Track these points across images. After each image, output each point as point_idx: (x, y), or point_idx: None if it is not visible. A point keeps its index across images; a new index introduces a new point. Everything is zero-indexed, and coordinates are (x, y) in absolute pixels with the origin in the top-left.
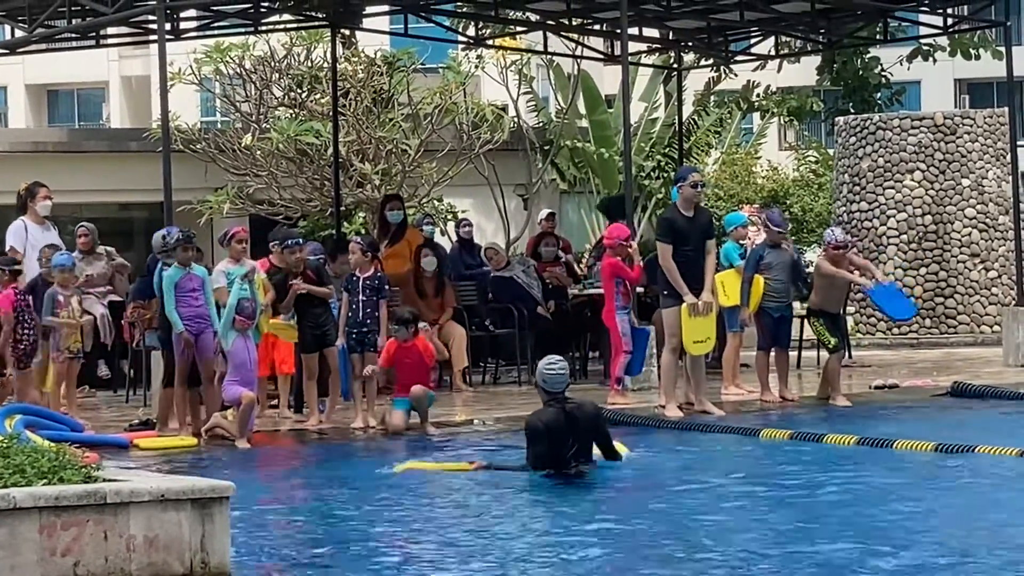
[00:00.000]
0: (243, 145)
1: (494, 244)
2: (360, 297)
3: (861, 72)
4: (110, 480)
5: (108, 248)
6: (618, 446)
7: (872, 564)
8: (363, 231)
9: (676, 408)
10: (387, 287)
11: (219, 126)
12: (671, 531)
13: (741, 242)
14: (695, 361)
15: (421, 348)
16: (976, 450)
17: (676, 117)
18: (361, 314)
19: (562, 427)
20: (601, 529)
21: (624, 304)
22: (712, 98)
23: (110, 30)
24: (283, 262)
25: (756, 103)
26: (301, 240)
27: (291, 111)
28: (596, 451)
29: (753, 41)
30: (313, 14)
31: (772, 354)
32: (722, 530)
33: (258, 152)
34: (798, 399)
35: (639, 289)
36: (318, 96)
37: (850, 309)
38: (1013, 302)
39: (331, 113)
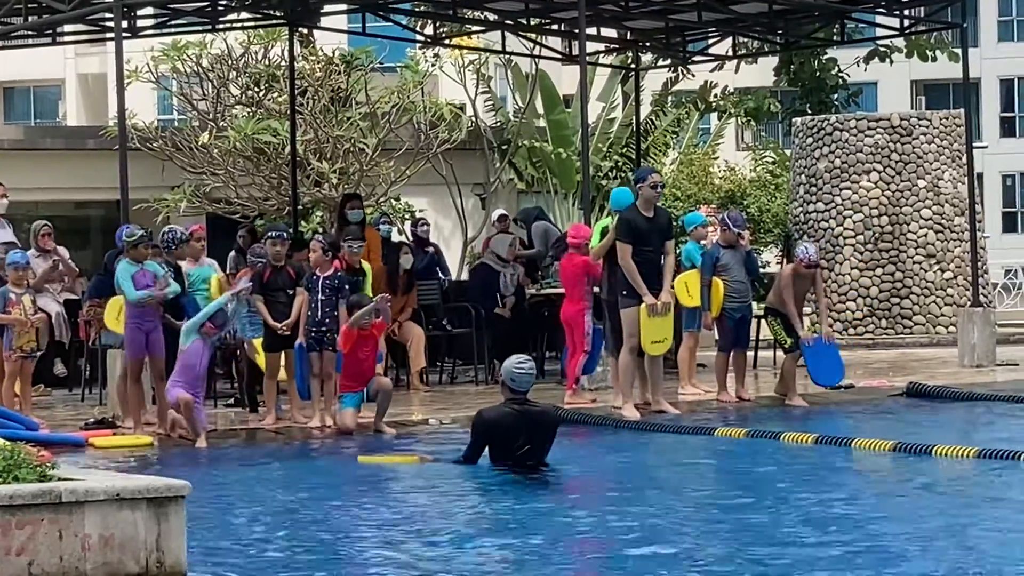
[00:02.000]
0: (200, 143)
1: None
2: (319, 296)
3: (818, 73)
4: (65, 479)
5: (61, 248)
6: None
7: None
8: (320, 230)
9: (633, 408)
10: (346, 286)
11: (176, 124)
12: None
13: (702, 242)
14: (653, 361)
15: (377, 332)
16: (934, 451)
17: (634, 117)
18: (320, 313)
19: (513, 426)
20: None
21: (589, 304)
22: (670, 98)
23: (67, 27)
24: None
25: (713, 103)
26: (285, 234)
27: (248, 109)
28: None
29: (711, 42)
30: (271, 12)
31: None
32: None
33: (215, 150)
34: (754, 399)
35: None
36: (275, 95)
37: (806, 310)
38: (968, 303)
39: (288, 112)
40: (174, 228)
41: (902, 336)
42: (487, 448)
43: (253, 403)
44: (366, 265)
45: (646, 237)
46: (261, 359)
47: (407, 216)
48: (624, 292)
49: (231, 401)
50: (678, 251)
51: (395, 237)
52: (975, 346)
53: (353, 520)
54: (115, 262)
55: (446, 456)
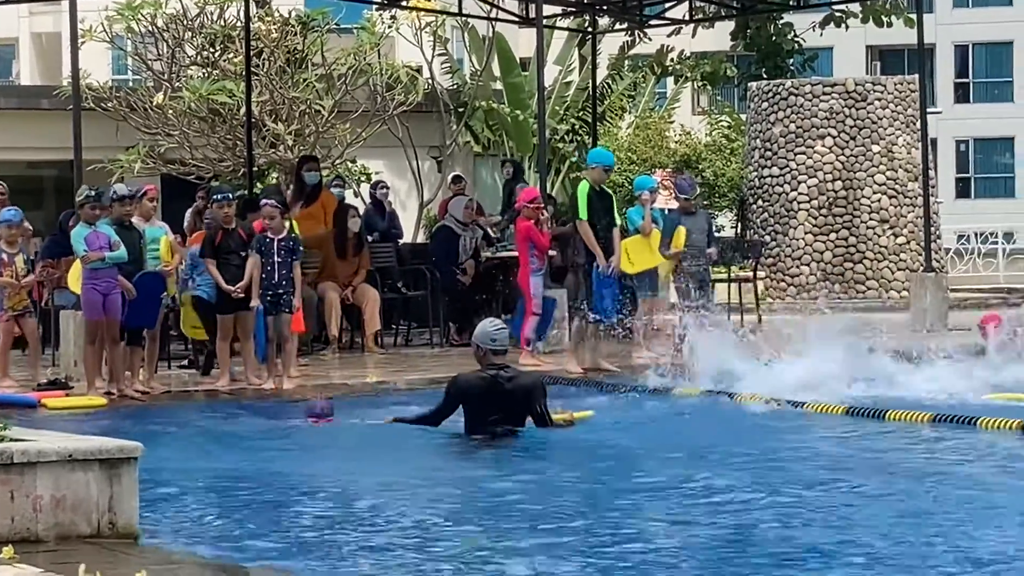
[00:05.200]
0: (155, 104)
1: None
2: (275, 259)
3: (774, 38)
4: (17, 440)
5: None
6: (580, 414)
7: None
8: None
9: (575, 364)
10: (300, 248)
11: (131, 84)
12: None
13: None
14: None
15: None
16: (887, 415)
17: (590, 81)
18: (276, 276)
19: (487, 393)
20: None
21: (538, 267)
22: (626, 62)
23: None
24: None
25: (670, 68)
26: (231, 195)
27: (204, 70)
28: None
29: (668, 6)
30: None
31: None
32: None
33: (170, 111)
34: None
35: (551, 253)
36: (231, 55)
37: (760, 274)
38: (921, 268)
39: (244, 73)
40: (119, 186)
41: (855, 300)
42: (464, 417)
43: (208, 366)
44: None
45: (598, 213)
46: (196, 332)
47: (363, 178)
48: (583, 261)
49: (185, 363)
50: (623, 214)
51: (349, 200)
52: (927, 311)
53: (301, 481)
54: (70, 222)
55: (410, 416)
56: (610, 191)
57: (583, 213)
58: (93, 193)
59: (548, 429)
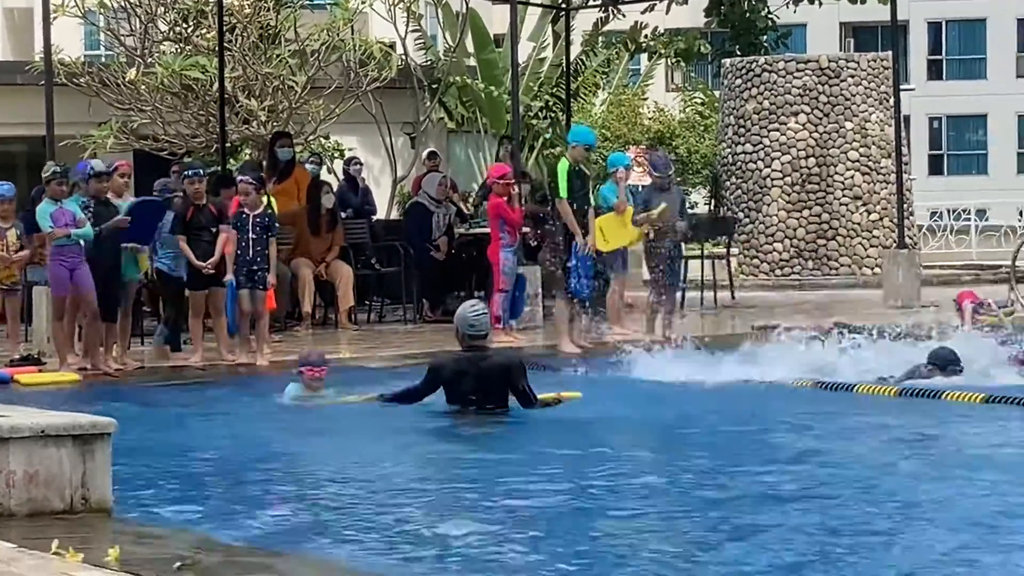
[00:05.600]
0: (127, 80)
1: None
2: (250, 235)
3: (748, 14)
4: None
5: None
6: (567, 394)
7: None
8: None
9: (571, 344)
10: (276, 224)
11: (103, 60)
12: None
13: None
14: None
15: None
16: (856, 389)
17: (564, 57)
18: (251, 252)
19: (464, 374)
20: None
21: (509, 243)
22: (600, 39)
23: None
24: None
25: (644, 44)
26: (202, 171)
27: (176, 46)
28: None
29: None
30: None
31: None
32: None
33: (142, 87)
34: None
35: (525, 230)
36: (204, 31)
37: (733, 250)
38: (894, 245)
39: (217, 48)
40: (95, 161)
41: (828, 277)
42: (444, 397)
43: (176, 342)
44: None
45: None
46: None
47: (336, 154)
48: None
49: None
50: (596, 191)
51: (324, 176)
52: (900, 287)
53: (276, 457)
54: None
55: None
56: (587, 171)
57: (563, 192)
58: (60, 169)
59: (533, 408)
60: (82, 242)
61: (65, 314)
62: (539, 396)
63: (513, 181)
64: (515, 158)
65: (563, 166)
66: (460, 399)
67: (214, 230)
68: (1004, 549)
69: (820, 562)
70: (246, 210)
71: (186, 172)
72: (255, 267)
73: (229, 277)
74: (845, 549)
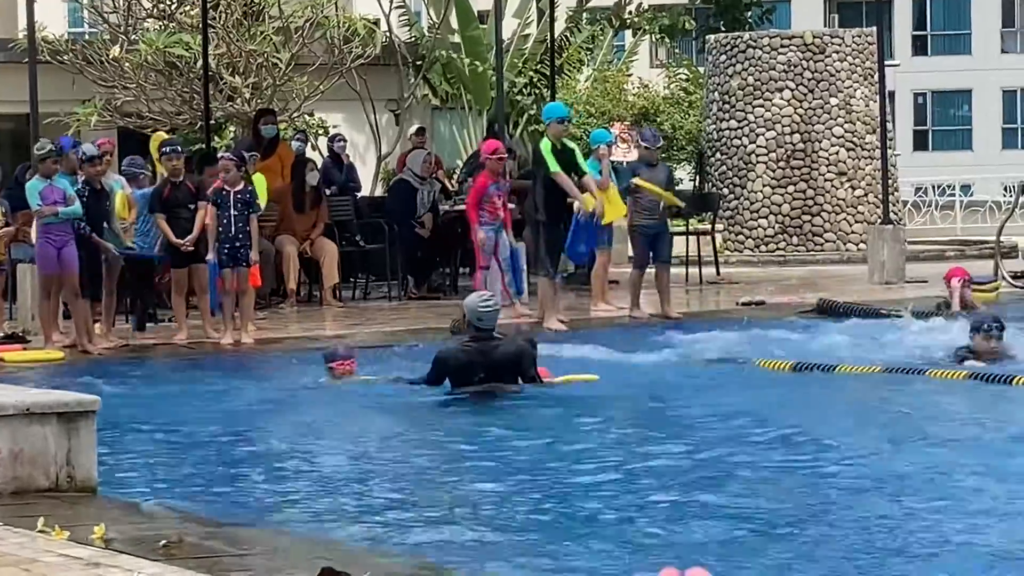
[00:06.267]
0: (111, 57)
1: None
2: (232, 212)
3: None
4: None
5: None
6: (582, 377)
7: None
8: (233, 145)
9: (557, 321)
10: (257, 201)
11: (87, 37)
12: None
13: (601, 160)
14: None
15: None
16: (837, 369)
17: (548, 34)
18: (233, 229)
19: (472, 364)
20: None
21: (489, 220)
22: (584, 15)
23: None
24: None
25: (628, 20)
26: (180, 148)
27: (160, 23)
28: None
29: None
30: None
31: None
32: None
33: (126, 64)
34: (681, 317)
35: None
36: (187, 8)
37: (718, 227)
38: (878, 220)
39: (201, 25)
40: (87, 146)
41: (813, 253)
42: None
43: (142, 321)
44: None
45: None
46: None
47: (320, 131)
48: (543, 217)
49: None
50: None
51: (308, 154)
52: (885, 263)
53: (261, 435)
54: (26, 176)
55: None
56: (572, 144)
57: (554, 167)
58: (54, 148)
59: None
60: (77, 223)
61: (51, 292)
62: (554, 379)
63: (506, 156)
64: (500, 134)
65: (545, 145)
66: (469, 386)
67: (192, 207)
68: None
69: None
70: (227, 187)
71: (163, 148)
72: (237, 244)
73: (211, 257)
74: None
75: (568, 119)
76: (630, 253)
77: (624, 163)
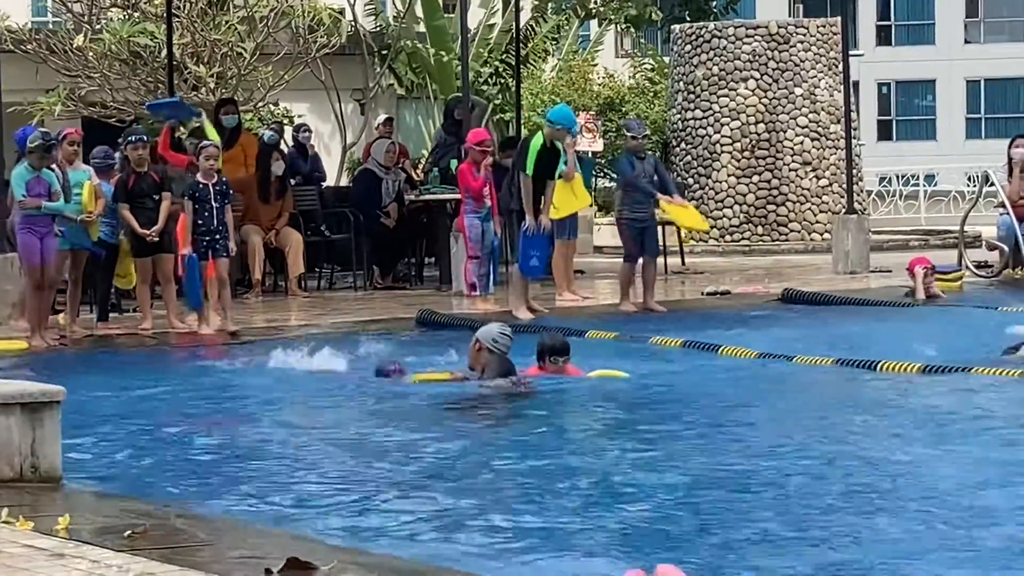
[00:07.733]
0: (75, 46)
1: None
2: (213, 204)
3: None
4: None
5: None
6: (613, 372)
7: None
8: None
9: (525, 311)
10: (231, 191)
11: (50, 26)
12: None
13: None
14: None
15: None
16: (794, 359)
17: (514, 23)
18: (215, 221)
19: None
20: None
21: (475, 209)
22: (550, 5)
23: None
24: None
25: (594, 10)
26: (145, 137)
27: (124, 12)
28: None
29: None
30: None
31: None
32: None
33: (90, 53)
34: (664, 311)
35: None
36: None
37: None
38: (843, 210)
39: (165, 15)
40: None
41: (778, 243)
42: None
43: (104, 311)
44: None
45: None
46: (121, 280)
47: (286, 121)
48: (518, 209)
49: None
50: None
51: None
52: (849, 253)
53: (227, 423)
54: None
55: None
56: (560, 148)
57: (529, 168)
58: (45, 142)
59: None
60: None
61: (40, 283)
62: (587, 374)
63: (490, 148)
64: (465, 123)
65: (536, 142)
66: None
67: (156, 197)
68: None
69: None
70: (203, 180)
71: (129, 138)
72: (219, 236)
73: (188, 250)
74: None
75: (574, 134)
76: (596, 243)
77: (589, 153)
